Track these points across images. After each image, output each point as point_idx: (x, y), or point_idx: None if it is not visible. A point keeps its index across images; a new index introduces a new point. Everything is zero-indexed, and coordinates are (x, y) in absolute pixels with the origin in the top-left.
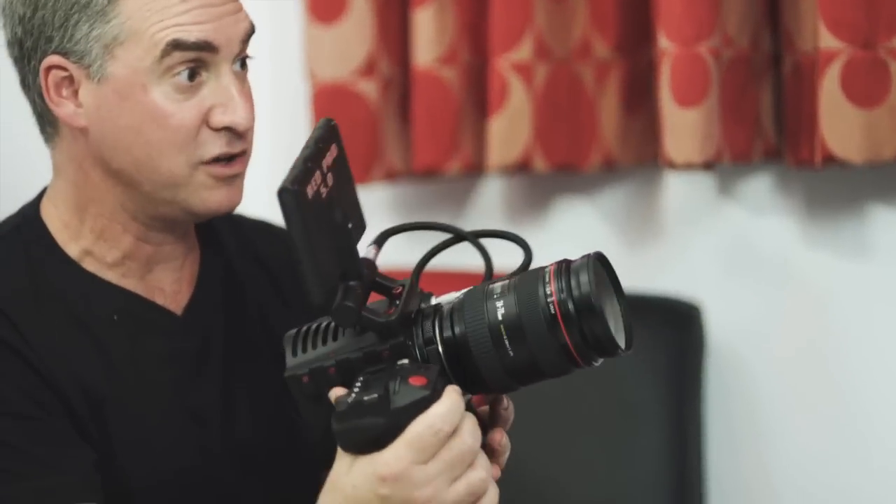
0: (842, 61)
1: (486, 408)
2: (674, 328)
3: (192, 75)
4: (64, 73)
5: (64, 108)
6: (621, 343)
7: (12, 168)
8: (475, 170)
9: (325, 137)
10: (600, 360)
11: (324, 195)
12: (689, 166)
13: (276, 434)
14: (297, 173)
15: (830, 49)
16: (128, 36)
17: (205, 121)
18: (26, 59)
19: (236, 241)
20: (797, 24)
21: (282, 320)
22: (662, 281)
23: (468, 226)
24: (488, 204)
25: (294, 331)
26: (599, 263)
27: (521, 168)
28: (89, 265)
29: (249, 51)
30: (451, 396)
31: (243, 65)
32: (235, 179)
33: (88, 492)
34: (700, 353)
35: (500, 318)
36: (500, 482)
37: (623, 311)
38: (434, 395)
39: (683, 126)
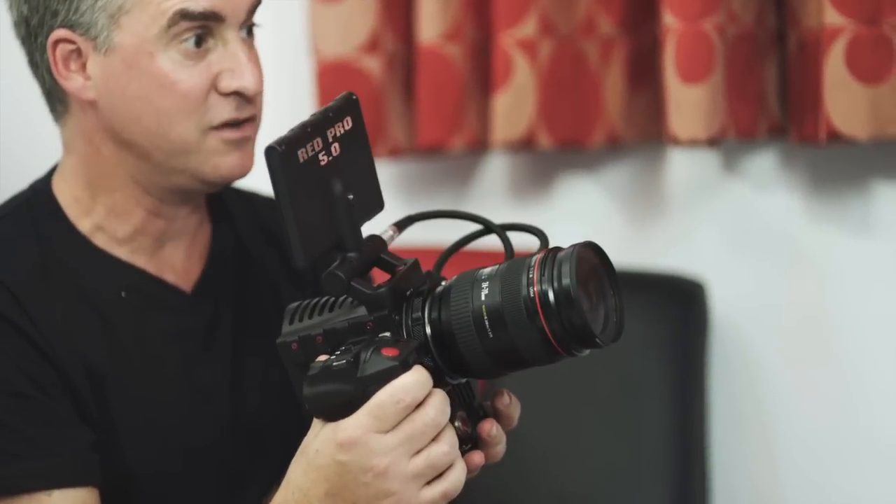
0: (846, 38)
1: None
2: (678, 305)
3: (199, 41)
4: (71, 47)
5: (73, 82)
6: (601, 335)
7: (20, 147)
8: (479, 146)
9: (340, 108)
10: (586, 351)
11: (323, 162)
12: (693, 143)
13: (285, 412)
14: (290, 135)
15: (835, 25)
16: (133, 4)
17: (213, 86)
18: (33, 36)
19: (248, 218)
20: (802, 0)
21: (292, 298)
22: (667, 258)
23: (473, 203)
24: (492, 180)
25: (297, 303)
26: (592, 252)
27: (525, 145)
28: (99, 241)
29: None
30: (419, 370)
31: (249, 32)
32: (246, 144)
33: (82, 474)
34: (704, 330)
35: (482, 303)
36: (503, 459)
37: (617, 302)
38: (402, 367)
39: (688, 103)
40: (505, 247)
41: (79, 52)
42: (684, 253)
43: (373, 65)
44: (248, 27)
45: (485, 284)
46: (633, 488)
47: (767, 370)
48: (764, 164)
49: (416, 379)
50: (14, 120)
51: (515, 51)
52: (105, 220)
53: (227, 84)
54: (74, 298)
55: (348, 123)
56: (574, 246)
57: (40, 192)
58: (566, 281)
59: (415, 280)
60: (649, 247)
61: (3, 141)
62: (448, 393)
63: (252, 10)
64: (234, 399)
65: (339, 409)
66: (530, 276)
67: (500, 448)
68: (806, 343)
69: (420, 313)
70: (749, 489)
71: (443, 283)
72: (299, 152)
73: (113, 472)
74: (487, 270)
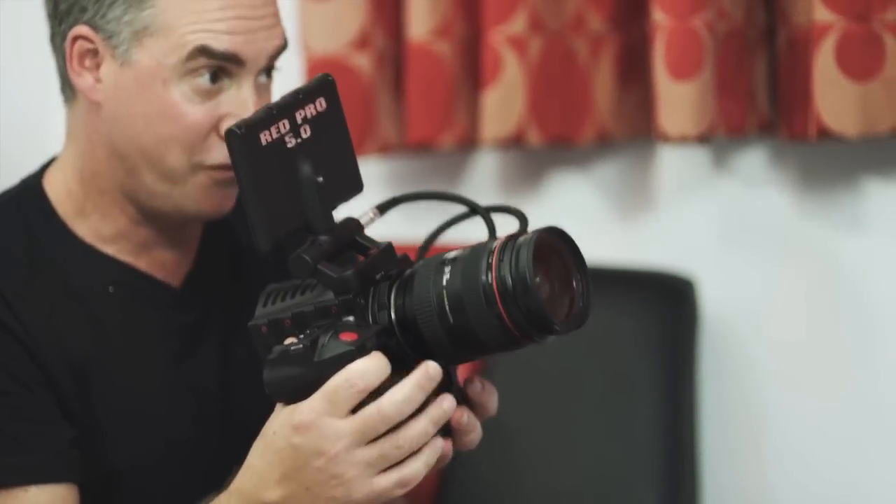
0: (836, 34)
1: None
2: (668, 302)
3: (214, 78)
4: (90, 46)
5: (83, 80)
6: (563, 321)
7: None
8: (469, 143)
9: (312, 90)
10: (549, 338)
11: (290, 144)
12: (683, 139)
13: (272, 408)
14: (253, 117)
15: (825, 22)
16: (158, 28)
17: (215, 127)
18: (58, 19)
19: (243, 212)
20: None
21: None
22: (656, 254)
23: None
24: (482, 177)
25: (273, 285)
26: (556, 237)
27: (514, 141)
28: (88, 236)
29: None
30: (377, 356)
31: (269, 74)
32: (232, 184)
33: (61, 470)
34: (694, 327)
35: (443, 288)
36: (491, 454)
37: (584, 287)
38: (358, 352)
39: (678, 99)
40: (488, 229)
41: (96, 52)
42: (674, 250)
43: (362, 62)
44: (268, 69)
45: (447, 269)
46: (623, 485)
47: (757, 367)
48: (754, 160)
49: (372, 364)
50: (15, 118)
51: (505, 48)
52: (93, 216)
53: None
54: (61, 293)
55: (321, 105)
56: (535, 231)
57: (31, 186)
58: (523, 267)
59: (386, 264)
60: (639, 244)
61: (5, 140)
62: None
63: (274, 56)
64: (221, 395)
65: (297, 392)
66: (489, 261)
67: (474, 437)
68: (796, 340)
69: (386, 298)
70: (738, 486)
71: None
72: (262, 135)
73: (96, 467)
74: (452, 255)
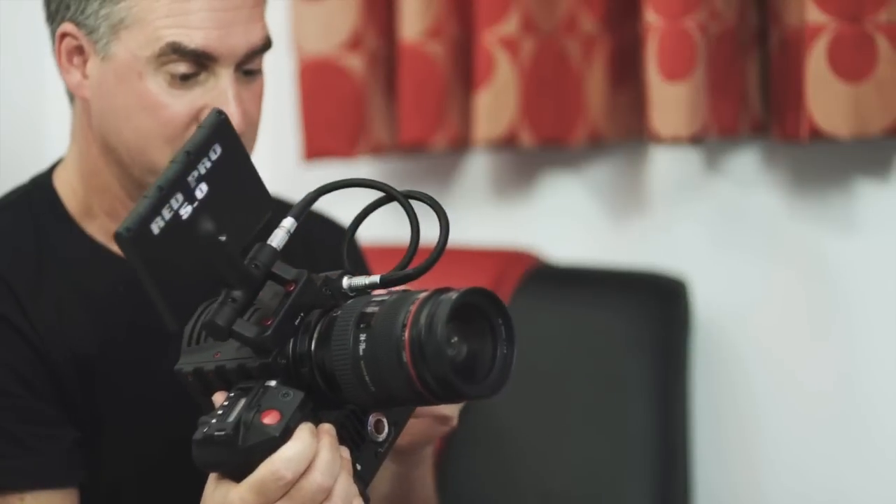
0: (828, 35)
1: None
2: (660, 303)
3: (190, 71)
4: (75, 42)
5: (72, 77)
6: (475, 386)
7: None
8: (461, 144)
9: (204, 141)
10: (464, 400)
11: (185, 216)
12: (675, 140)
13: None
14: (138, 213)
15: (817, 23)
16: (133, 22)
17: (195, 118)
18: (50, 19)
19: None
20: None
21: None
22: (648, 255)
23: (455, 200)
24: (474, 178)
25: (194, 317)
26: (481, 298)
27: (507, 142)
28: (97, 234)
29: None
30: (302, 439)
31: (248, 73)
32: None
33: (63, 474)
34: (686, 328)
35: (361, 353)
36: (484, 453)
37: (507, 351)
38: (282, 438)
39: (670, 100)
40: (408, 215)
41: (81, 48)
42: (666, 251)
43: (355, 63)
44: (247, 70)
45: (363, 328)
46: (615, 485)
47: (749, 368)
48: (746, 161)
49: (297, 450)
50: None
51: (497, 49)
52: (101, 216)
53: None
54: (70, 292)
55: (216, 152)
56: (461, 291)
57: (41, 184)
58: (437, 329)
59: (307, 299)
60: (631, 245)
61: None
62: (344, 420)
63: (251, 55)
64: None
65: (228, 472)
66: (405, 320)
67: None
68: (788, 342)
69: (306, 349)
70: (729, 486)
71: (346, 280)
72: (152, 226)
73: (100, 468)
74: (372, 307)
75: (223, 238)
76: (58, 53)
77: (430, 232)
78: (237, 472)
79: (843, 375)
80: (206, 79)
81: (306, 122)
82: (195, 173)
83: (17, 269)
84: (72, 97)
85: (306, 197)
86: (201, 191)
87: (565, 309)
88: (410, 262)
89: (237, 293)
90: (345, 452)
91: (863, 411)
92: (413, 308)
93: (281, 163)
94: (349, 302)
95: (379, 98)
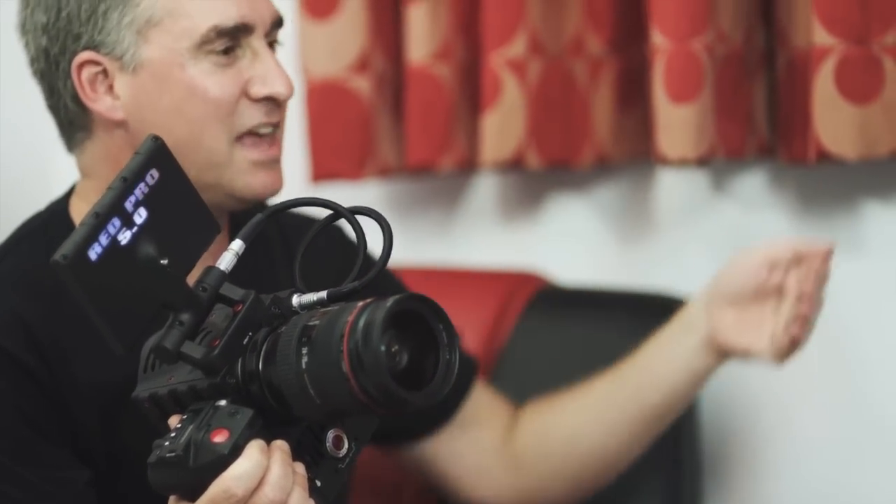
0: (835, 57)
1: None
2: (667, 324)
3: (228, 50)
4: (97, 68)
5: (101, 103)
6: (418, 394)
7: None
8: (468, 166)
9: (140, 166)
10: (409, 407)
11: (124, 241)
12: (682, 162)
13: None
14: (75, 239)
15: (824, 45)
16: (162, 17)
17: (244, 92)
18: (54, 65)
19: (273, 235)
20: (791, 19)
21: None
22: (655, 277)
23: (462, 222)
24: (481, 200)
25: (151, 341)
26: (419, 305)
27: (514, 164)
28: None
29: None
30: (250, 456)
31: (271, 46)
32: (274, 165)
33: None
34: None
35: (304, 367)
36: None
37: (449, 355)
38: (231, 455)
39: (677, 122)
40: (356, 232)
41: (105, 72)
42: (673, 272)
43: (362, 84)
44: (271, 42)
45: (305, 342)
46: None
47: (757, 390)
48: (753, 183)
49: (246, 468)
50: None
51: (504, 71)
52: None
53: (259, 90)
54: (86, 322)
55: (153, 177)
56: (395, 298)
57: (57, 213)
58: (373, 339)
59: (255, 320)
60: (638, 266)
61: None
62: (301, 437)
63: (275, 23)
64: None
65: (183, 496)
66: (342, 332)
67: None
68: (793, 361)
69: (255, 367)
70: (737, 495)
71: (296, 298)
72: (89, 252)
73: (122, 490)
74: (313, 321)
75: (164, 262)
76: (79, 86)
77: (429, 250)
78: (190, 492)
79: (848, 394)
80: (244, 53)
81: (314, 145)
82: (132, 198)
83: (33, 301)
84: (77, 142)
85: (255, 218)
86: (140, 216)
87: (572, 331)
88: (357, 276)
89: (185, 316)
90: (299, 468)
91: (874, 428)
92: (350, 318)
93: (288, 185)
94: (294, 317)
95: (386, 120)
